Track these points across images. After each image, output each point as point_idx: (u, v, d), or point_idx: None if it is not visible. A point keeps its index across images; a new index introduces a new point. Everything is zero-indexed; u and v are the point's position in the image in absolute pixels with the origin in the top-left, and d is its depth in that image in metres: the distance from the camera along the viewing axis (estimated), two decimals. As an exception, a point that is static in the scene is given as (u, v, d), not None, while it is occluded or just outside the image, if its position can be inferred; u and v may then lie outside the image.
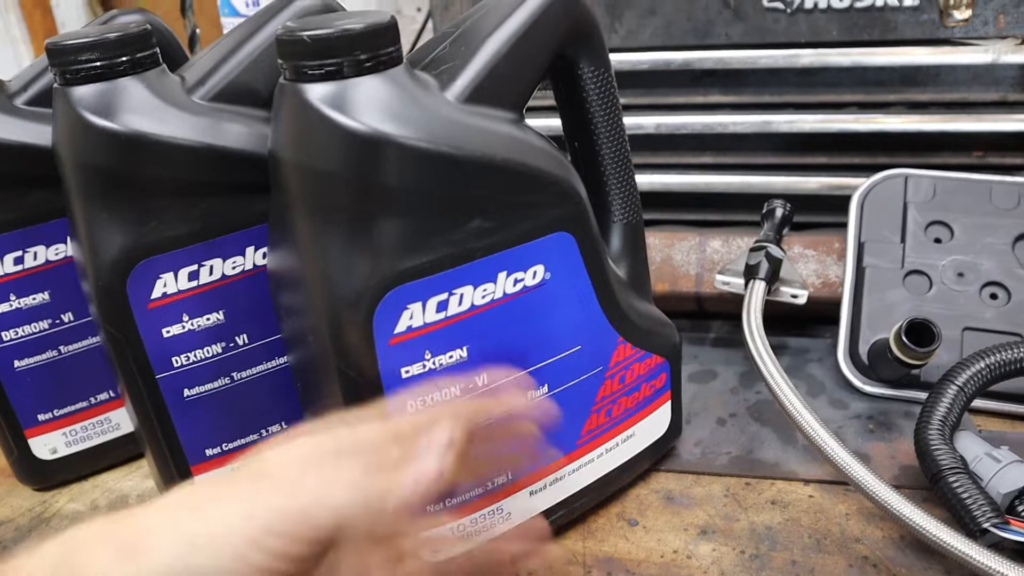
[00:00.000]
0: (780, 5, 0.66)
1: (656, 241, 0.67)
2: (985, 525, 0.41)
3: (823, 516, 0.48)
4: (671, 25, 0.69)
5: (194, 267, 0.44)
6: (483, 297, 0.39)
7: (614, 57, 0.48)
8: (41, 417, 0.55)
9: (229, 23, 0.73)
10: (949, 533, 0.41)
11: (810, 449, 0.53)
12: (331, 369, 0.39)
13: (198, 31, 0.74)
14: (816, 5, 0.66)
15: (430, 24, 0.80)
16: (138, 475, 0.58)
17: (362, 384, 0.38)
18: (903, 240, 0.60)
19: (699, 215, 0.74)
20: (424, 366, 0.38)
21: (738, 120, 0.71)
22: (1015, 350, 0.47)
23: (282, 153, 0.37)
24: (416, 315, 0.37)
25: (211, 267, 0.45)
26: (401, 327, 0.37)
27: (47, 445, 0.56)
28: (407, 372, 0.38)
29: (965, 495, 0.42)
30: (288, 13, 0.47)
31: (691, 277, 0.66)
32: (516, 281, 0.40)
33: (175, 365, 0.46)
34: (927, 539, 0.41)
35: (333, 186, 0.36)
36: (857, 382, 0.57)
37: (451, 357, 0.39)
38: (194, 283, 0.45)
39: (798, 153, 0.71)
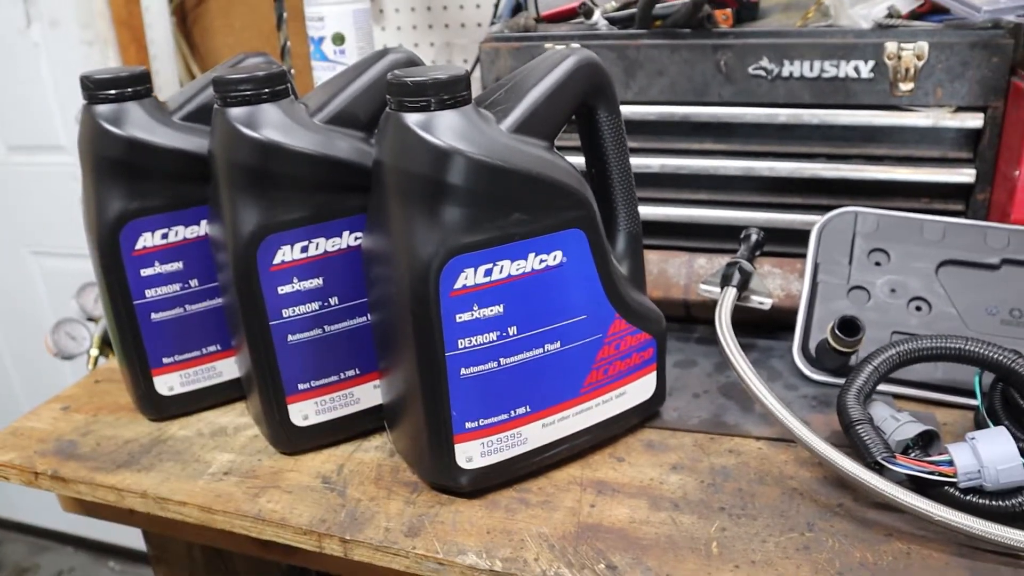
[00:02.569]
0: (763, 72, 0.82)
1: (653, 257, 0.82)
2: (877, 457, 0.55)
3: (767, 461, 0.62)
4: (674, 85, 0.85)
5: (305, 243, 0.60)
6: (517, 269, 0.54)
7: (627, 109, 0.64)
8: (165, 360, 0.71)
9: (319, 66, 0.91)
10: (855, 467, 0.55)
11: (764, 416, 0.67)
12: (407, 317, 0.54)
13: (292, 71, 0.91)
14: (792, 74, 0.81)
15: (477, 73, 0.97)
16: (233, 413, 0.73)
17: (428, 324, 0.53)
18: (850, 262, 0.74)
19: (693, 243, 0.89)
20: (472, 315, 0.54)
21: (727, 164, 0.86)
22: (918, 342, 0.61)
23: (384, 159, 0.53)
24: (470, 277, 0.53)
25: (317, 244, 0.61)
26: (459, 284, 0.53)
27: (166, 383, 0.71)
28: (460, 318, 0.54)
29: (866, 437, 0.56)
30: (382, 64, 0.63)
31: (680, 287, 0.81)
32: (541, 260, 0.55)
33: (284, 316, 0.61)
34: (841, 471, 0.55)
35: (419, 184, 0.52)
36: (806, 371, 0.72)
37: (491, 310, 0.54)
38: (304, 255, 0.61)
39: (776, 194, 0.86)
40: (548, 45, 0.86)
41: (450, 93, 0.51)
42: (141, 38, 1.46)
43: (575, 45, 0.84)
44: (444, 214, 0.52)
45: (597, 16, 0.88)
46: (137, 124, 0.65)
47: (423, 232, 0.52)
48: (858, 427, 0.57)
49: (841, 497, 0.58)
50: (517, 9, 0.99)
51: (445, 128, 0.51)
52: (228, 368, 0.73)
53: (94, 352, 1.17)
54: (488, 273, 0.53)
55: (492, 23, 1.03)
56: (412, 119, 0.51)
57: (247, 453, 0.67)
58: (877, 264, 0.74)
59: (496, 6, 1.08)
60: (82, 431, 0.72)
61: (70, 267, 1.73)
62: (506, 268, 0.54)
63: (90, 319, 1.25)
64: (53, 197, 1.71)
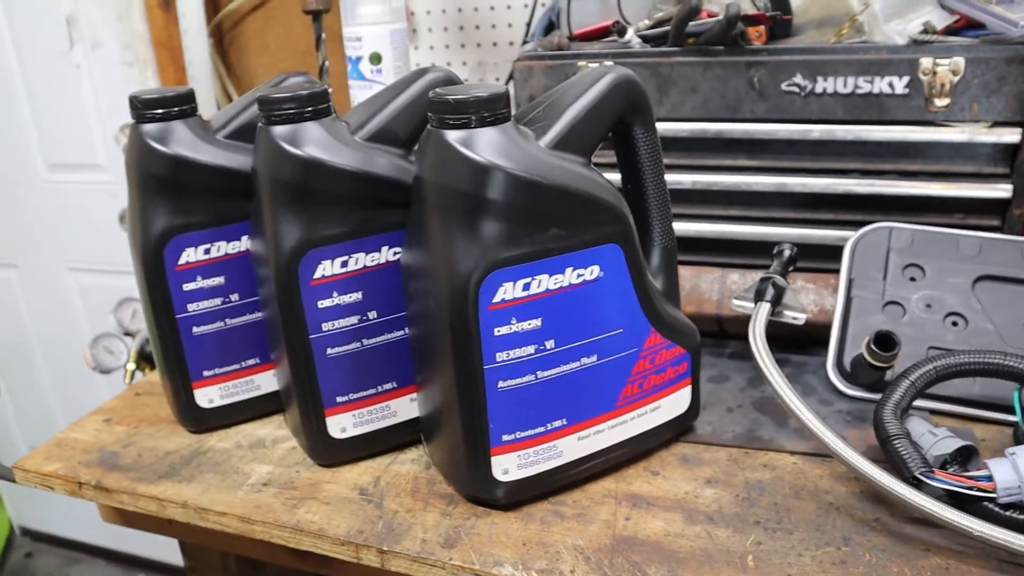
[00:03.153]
0: (796, 89, 0.82)
1: (686, 273, 0.83)
2: (915, 472, 0.55)
3: (803, 476, 0.62)
4: (707, 101, 0.85)
5: (345, 258, 0.61)
6: (555, 283, 0.55)
7: (660, 126, 0.65)
8: (206, 373, 0.72)
9: (355, 85, 0.92)
10: (893, 481, 0.55)
11: (799, 431, 0.67)
12: (445, 330, 0.55)
13: (330, 90, 0.92)
14: (825, 90, 0.82)
15: (511, 91, 0.98)
16: (271, 426, 0.74)
17: (466, 338, 0.54)
18: (884, 278, 0.74)
19: (726, 259, 0.89)
20: (510, 328, 0.55)
21: (760, 180, 0.86)
22: (955, 357, 0.61)
23: (425, 176, 0.54)
24: (508, 291, 0.54)
25: (356, 259, 0.62)
26: (497, 298, 0.54)
27: (207, 396, 0.73)
28: (498, 331, 0.54)
29: (903, 452, 0.56)
30: (422, 82, 0.65)
31: (713, 302, 0.81)
32: (579, 275, 0.56)
33: (324, 329, 0.62)
34: (878, 485, 0.55)
35: (459, 199, 0.53)
36: (841, 386, 0.72)
37: (530, 324, 0.55)
38: (343, 269, 0.62)
39: (809, 210, 0.86)
40: (581, 63, 0.87)
41: (490, 110, 0.53)
42: (179, 59, 1.49)
43: (609, 63, 0.85)
44: (483, 229, 0.53)
45: (630, 34, 0.89)
46: (182, 142, 0.67)
47: (463, 246, 0.53)
48: (895, 442, 0.57)
49: (877, 512, 0.58)
50: (550, 28, 1.01)
51: (485, 144, 0.52)
52: (266, 381, 0.74)
53: (131, 366, 1.20)
54: (526, 287, 0.54)
55: (525, 42, 1.04)
56: (453, 136, 0.52)
57: (285, 465, 0.68)
58: (912, 279, 0.74)
59: (529, 25, 1.10)
60: (124, 443, 0.73)
61: (107, 283, 1.77)
62: (544, 282, 0.55)
63: (127, 334, 1.27)
64: (91, 214, 1.75)
